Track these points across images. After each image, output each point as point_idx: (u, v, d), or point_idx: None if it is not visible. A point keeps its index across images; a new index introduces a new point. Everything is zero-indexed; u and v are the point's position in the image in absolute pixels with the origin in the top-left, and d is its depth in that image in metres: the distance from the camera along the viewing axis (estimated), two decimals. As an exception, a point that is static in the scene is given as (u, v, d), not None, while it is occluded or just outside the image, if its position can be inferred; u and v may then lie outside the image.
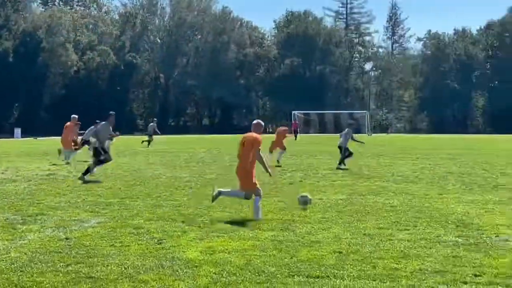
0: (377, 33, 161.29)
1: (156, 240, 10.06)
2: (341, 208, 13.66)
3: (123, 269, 8.19)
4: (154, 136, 45.67)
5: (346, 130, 27.15)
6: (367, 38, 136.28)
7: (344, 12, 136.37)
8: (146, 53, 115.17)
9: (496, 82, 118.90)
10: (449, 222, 11.83)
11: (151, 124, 47.26)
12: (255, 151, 12.62)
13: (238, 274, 7.90)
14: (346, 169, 24.72)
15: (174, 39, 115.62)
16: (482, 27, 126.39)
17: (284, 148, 28.89)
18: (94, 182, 19.15)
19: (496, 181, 19.92)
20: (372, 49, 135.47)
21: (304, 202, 13.58)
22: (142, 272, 8.04)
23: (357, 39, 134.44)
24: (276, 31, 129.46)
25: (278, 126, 44.08)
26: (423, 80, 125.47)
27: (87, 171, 19.97)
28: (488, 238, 10.24)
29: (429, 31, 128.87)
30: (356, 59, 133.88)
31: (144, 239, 10.15)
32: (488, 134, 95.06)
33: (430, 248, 9.47)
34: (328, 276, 7.81)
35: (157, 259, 8.71)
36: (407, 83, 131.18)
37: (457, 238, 10.21)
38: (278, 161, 27.48)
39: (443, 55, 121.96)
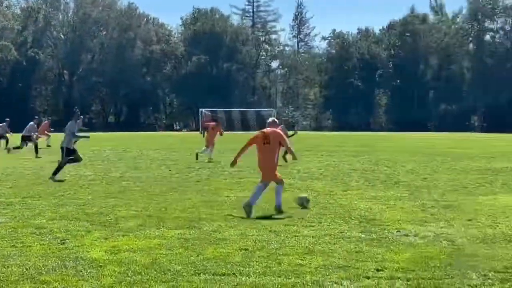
0: (283, 32, 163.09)
1: (59, 240, 9.85)
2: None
3: (25, 270, 7.98)
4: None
5: (280, 126, 28.15)
6: (274, 36, 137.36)
7: (251, 10, 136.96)
8: (50, 49, 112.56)
9: (398, 81, 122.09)
10: (353, 218, 12.07)
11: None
12: (284, 144, 13.33)
13: (143, 273, 7.83)
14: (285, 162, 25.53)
15: (79, 34, 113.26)
16: (385, 27, 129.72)
17: (212, 145, 29.35)
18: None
19: (397, 178, 20.48)
20: (278, 47, 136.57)
21: (302, 203, 13.55)
22: (44, 272, 7.85)
23: (263, 37, 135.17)
24: (183, 28, 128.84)
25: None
26: (328, 79, 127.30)
27: (58, 169, 19.65)
28: (390, 233, 10.50)
29: (334, 30, 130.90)
30: (263, 57, 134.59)
31: (47, 239, 9.91)
32: (391, 132, 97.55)
33: (334, 243, 9.63)
34: (234, 274, 7.83)
35: (60, 260, 8.52)
36: (312, 82, 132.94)
37: (360, 234, 10.43)
38: (210, 158, 28.21)
39: (347, 54, 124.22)
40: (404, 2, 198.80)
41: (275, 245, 9.46)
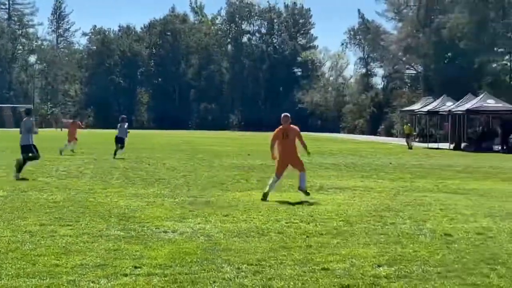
0: (41, 26, 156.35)
1: None
2: (1, 205, 13.11)
3: None
4: None
5: (120, 123, 30.61)
6: (31, 30, 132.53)
7: (7, 2, 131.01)
8: None
9: (160, 79, 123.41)
10: (112, 216, 11.99)
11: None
12: (300, 138, 15.38)
13: None
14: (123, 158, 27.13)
15: None
16: (146, 25, 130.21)
17: (76, 139, 33.58)
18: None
19: (158, 175, 20.71)
20: (36, 41, 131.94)
21: None
22: None
23: (20, 31, 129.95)
24: None
25: None
26: (89, 75, 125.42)
27: (20, 168, 19.06)
28: (149, 230, 10.55)
29: (95, 26, 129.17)
30: (20, 51, 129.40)
31: None
32: (152, 130, 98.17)
33: (92, 242, 9.50)
34: (-17, 277, 7.44)
35: None
36: (73, 78, 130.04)
37: (119, 232, 10.38)
38: (72, 150, 31.98)
39: (109, 50, 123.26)
40: (165, 1, 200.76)
41: (29, 246, 9.13)
